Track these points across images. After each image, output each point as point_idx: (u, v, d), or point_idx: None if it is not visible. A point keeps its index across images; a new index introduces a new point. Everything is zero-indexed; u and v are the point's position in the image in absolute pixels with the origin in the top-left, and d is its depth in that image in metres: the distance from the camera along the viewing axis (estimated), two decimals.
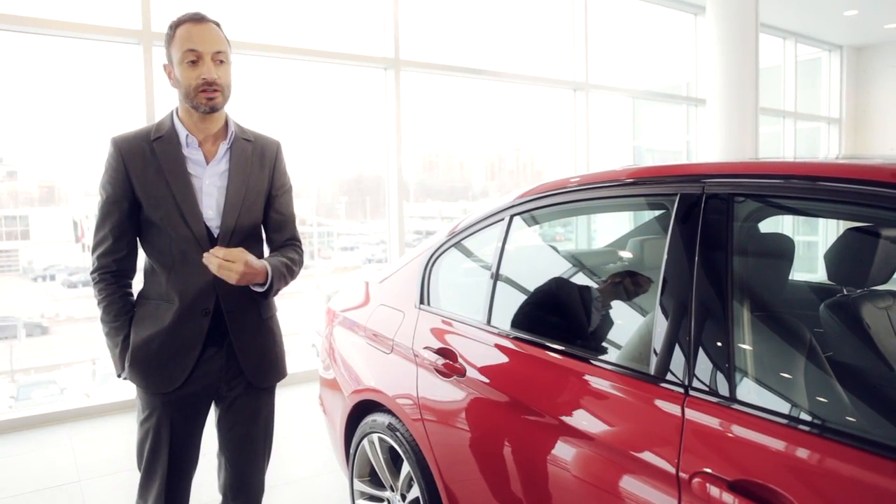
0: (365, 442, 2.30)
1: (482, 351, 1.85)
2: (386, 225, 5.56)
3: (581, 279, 1.93)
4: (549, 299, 1.89)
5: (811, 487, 1.07)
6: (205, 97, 1.66)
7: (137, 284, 1.83)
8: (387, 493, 2.27)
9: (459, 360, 1.88)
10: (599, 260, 2.16)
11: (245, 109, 5.20)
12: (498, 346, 1.81)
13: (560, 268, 2.08)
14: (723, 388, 1.25)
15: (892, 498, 1.01)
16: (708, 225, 1.38)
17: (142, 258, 1.80)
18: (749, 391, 1.27)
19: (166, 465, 1.74)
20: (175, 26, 1.68)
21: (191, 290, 1.71)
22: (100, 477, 3.25)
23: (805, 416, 1.22)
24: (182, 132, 1.73)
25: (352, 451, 2.39)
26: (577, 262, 2.07)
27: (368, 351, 2.36)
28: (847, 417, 1.24)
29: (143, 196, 1.68)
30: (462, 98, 6.65)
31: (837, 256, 1.79)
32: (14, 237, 5.48)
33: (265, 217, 1.86)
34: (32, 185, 5.53)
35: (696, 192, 1.43)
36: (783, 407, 1.22)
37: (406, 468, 2.07)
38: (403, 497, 2.14)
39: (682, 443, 1.24)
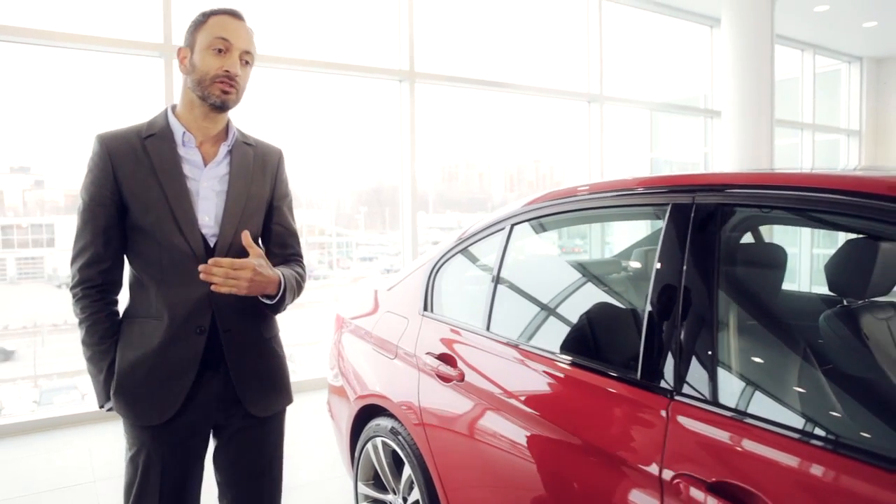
0: (369, 445, 2.35)
1: (481, 356, 1.89)
2: (400, 236, 5.63)
3: (577, 288, 1.97)
4: (546, 307, 1.93)
5: (786, 490, 1.09)
6: (220, 89, 1.53)
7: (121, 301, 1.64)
8: (389, 497, 2.31)
9: (459, 364, 1.93)
10: (597, 269, 2.19)
11: (265, 120, 5.33)
12: (496, 352, 1.85)
13: (558, 277, 2.12)
14: (706, 393, 1.28)
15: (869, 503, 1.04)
16: (696, 234, 1.42)
17: (126, 271, 1.62)
18: (731, 396, 1.29)
19: None
20: (209, 14, 1.56)
21: (182, 305, 1.52)
22: (115, 478, 3.33)
23: (784, 421, 1.25)
24: (178, 129, 1.57)
25: (356, 454, 2.44)
26: (575, 271, 2.11)
27: (374, 357, 2.41)
28: (827, 423, 1.27)
29: (131, 198, 1.51)
30: (482, 110, 6.73)
31: (838, 267, 1.81)
32: (40, 245, 5.49)
33: (265, 229, 1.70)
34: (58, 194, 5.64)
35: (686, 202, 1.47)
36: (763, 412, 1.25)
37: (407, 471, 2.12)
38: (405, 500, 2.18)
39: (666, 445, 1.27)
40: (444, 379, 1.95)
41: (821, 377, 1.35)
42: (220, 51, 1.52)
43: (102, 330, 1.54)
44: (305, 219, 6.53)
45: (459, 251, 2.21)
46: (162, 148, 1.54)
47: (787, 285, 2.18)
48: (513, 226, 1.97)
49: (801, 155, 9.16)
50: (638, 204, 1.66)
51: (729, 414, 1.23)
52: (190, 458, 1.59)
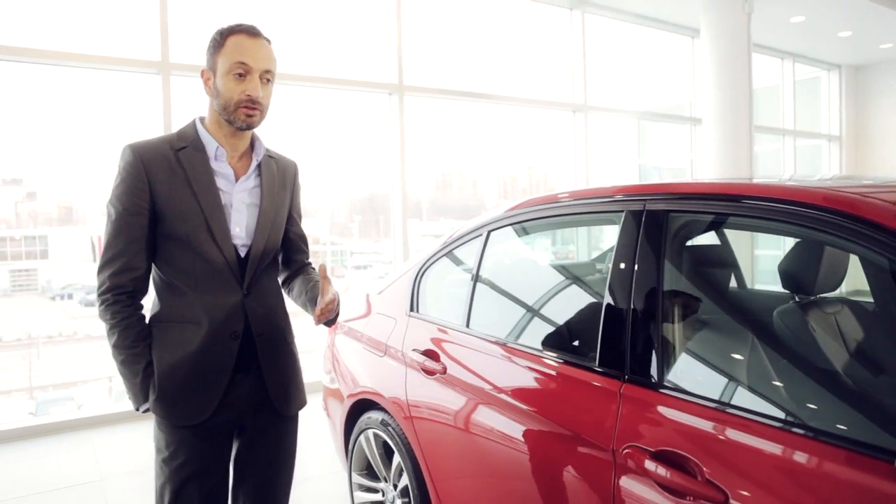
0: (362, 437, 2.52)
1: (461, 351, 2.08)
2: (391, 244, 5.81)
3: (546, 288, 2.16)
4: (519, 305, 2.12)
5: (712, 453, 1.28)
6: (245, 113, 1.57)
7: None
8: (381, 485, 2.49)
9: (442, 359, 2.11)
10: (566, 271, 2.38)
11: (266, 134, 5.50)
12: (475, 347, 2.03)
13: (530, 278, 2.31)
14: (652, 376, 1.47)
15: (784, 463, 1.22)
16: (646, 237, 1.61)
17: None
18: (672, 378, 1.48)
19: None
20: (226, 34, 1.58)
21: (220, 311, 1.59)
22: (120, 476, 3.49)
23: (714, 397, 1.43)
24: (211, 144, 1.62)
25: (350, 446, 2.62)
26: (546, 273, 2.30)
27: (366, 355, 2.59)
28: (752, 399, 1.45)
29: (166, 209, 1.56)
30: (475, 119, 6.91)
31: (790, 266, 2.01)
32: (33, 256, 5.47)
33: (284, 238, 1.79)
34: (51, 206, 5.64)
35: (638, 209, 1.66)
36: (698, 390, 1.44)
37: (397, 459, 2.30)
38: (395, 486, 2.36)
39: (619, 421, 1.46)
40: (429, 372, 2.13)
41: (750, 361, 1.53)
42: (240, 75, 1.55)
43: (135, 333, 1.58)
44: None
45: (442, 256, 2.39)
46: (195, 160, 1.59)
47: (748, 283, 2.38)
48: (489, 232, 2.16)
49: (782, 160, 9.40)
50: (599, 211, 1.85)
51: (670, 393, 1.42)
52: (222, 455, 1.67)
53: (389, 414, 2.34)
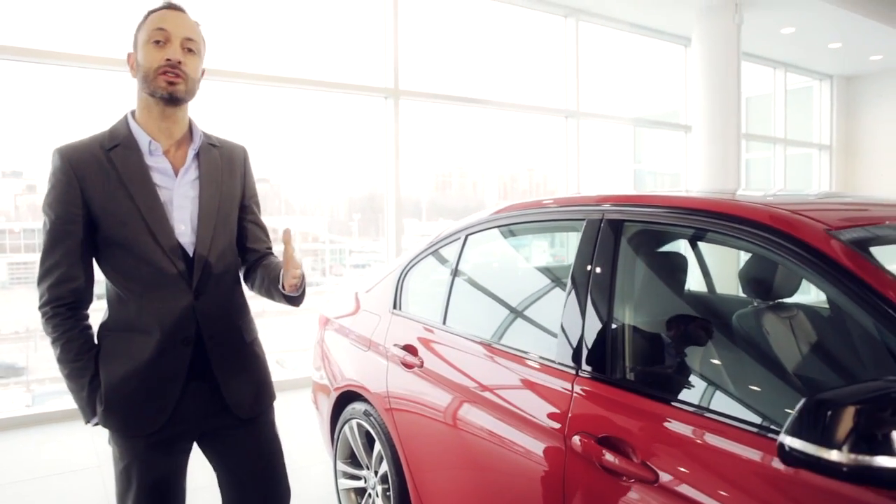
0: (346, 427, 2.67)
1: (438, 346, 2.23)
2: (385, 244, 5.95)
3: (516, 290, 2.31)
4: (491, 304, 2.27)
5: (647, 438, 1.43)
6: (165, 80, 1.48)
7: (94, 314, 1.63)
8: (363, 472, 2.64)
9: (420, 353, 2.26)
10: (535, 274, 2.54)
11: (267, 134, 5.65)
12: (450, 343, 2.18)
13: (501, 280, 2.46)
14: (600, 371, 1.62)
15: (704, 447, 1.37)
16: (603, 244, 1.76)
17: (99, 284, 1.60)
18: (618, 373, 1.63)
19: None
20: (149, 13, 1.54)
21: (169, 317, 1.52)
22: None
23: (657, 390, 1.58)
24: (143, 138, 1.53)
25: (335, 436, 2.77)
26: (517, 276, 2.45)
27: (352, 350, 2.74)
28: (689, 392, 1.60)
29: (101, 214, 1.48)
30: (475, 121, 7.03)
31: (748, 274, 2.16)
32: (32, 249, 5.44)
33: (239, 227, 1.70)
34: None
35: (597, 217, 1.81)
36: (640, 384, 1.59)
37: (377, 447, 2.45)
38: (376, 472, 2.51)
39: (570, 411, 1.61)
40: (408, 366, 2.28)
41: (690, 358, 1.69)
42: (158, 42, 1.49)
43: (78, 346, 1.52)
44: (299, 226, 6.65)
45: (424, 257, 2.55)
46: (128, 158, 1.50)
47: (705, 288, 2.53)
48: (467, 236, 2.32)
49: (773, 168, 9.56)
50: (564, 219, 2.00)
51: (615, 386, 1.57)
52: (178, 461, 1.63)
53: (372, 405, 2.49)
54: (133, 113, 1.58)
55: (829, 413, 1.02)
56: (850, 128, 10.28)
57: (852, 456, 1.00)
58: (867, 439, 1.00)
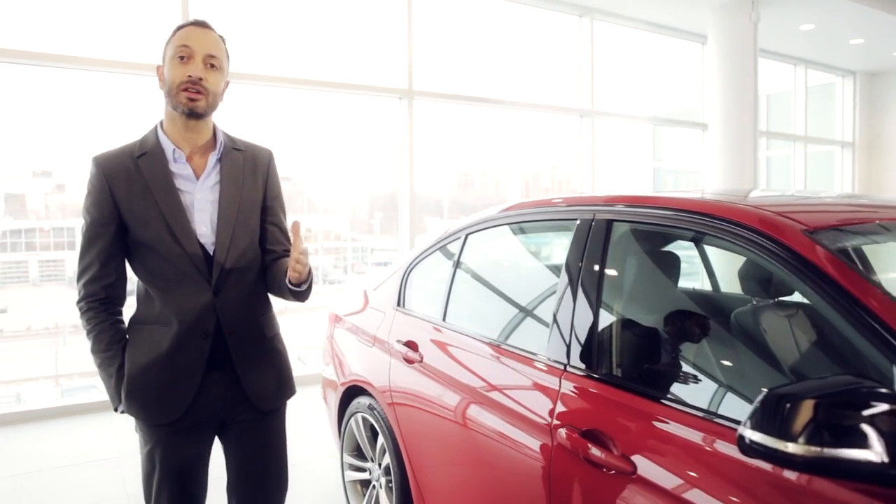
0: (352, 421, 2.75)
1: (437, 343, 2.29)
2: (399, 242, 6.03)
3: (513, 287, 2.37)
4: (489, 302, 2.33)
5: (626, 430, 1.48)
6: (186, 96, 1.58)
7: (128, 310, 1.75)
8: (368, 464, 2.71)
9: (420, 349, 2.33)
10: (533, 273, 2.59)
11: (290, 134, 5.75)
12: (450, 339, 2.25)
13: (499, 278, 2.52)
14: (586, 367, 1.68)
15: (686, 445, 1.41)
16: (593, 243, 1.81)
17: (132, 282, 1.73)
18: (604, 369, 1.68)
19: (177, 499, 1.70)
20: (177, 29, 1.64)
21: (189, 311, 1.62)
22: (136, 454, 3.74)
23: (641, 385, 1.63)
24: (168, 146, 1.65)
25: (342, 429, 2.85)
26: (514, 274, 2.51)
27: (359, 346, 2.81)
28: (674, 388, 1.65)
29: (129, 217, 1.61)
30: (495, 120, 7.07)
31: (747, 273, 2.19)
32: (61, 247, 5.63)
33: (261, 229, 1.77)
34: (79, 198, 5.88)
35: (589, 217, 1.86)
36: (625, 381, 1.63)
37: (381, 440, 2.52)
38: (379, 464, 2.59)
39: (557, 405, 1.67)
40: (409, 361, 2.35)
41: (673, 354, 1.73)
42: (182, 58, 1.58)
43: (108, 337, 1.65)
44: (321, 224, 6.77)
45: (428, 255, 2.61)
46: (154, 166, 1.62)
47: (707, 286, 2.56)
48: (467, 235, 2.38)
49: (793, 166, 9.47)
50: (559, 219, 2.05)
51: (600, 381, 1.62)
52: (200, 450, 1.73)
53: (376, 399, 2.57)
54: (161, 123, 1.70)
55: (788, 406, 1.06)
56: (873, 124, 10.13)
57: (809, 448, 1.04)
58: (823, 432, 1.04)
